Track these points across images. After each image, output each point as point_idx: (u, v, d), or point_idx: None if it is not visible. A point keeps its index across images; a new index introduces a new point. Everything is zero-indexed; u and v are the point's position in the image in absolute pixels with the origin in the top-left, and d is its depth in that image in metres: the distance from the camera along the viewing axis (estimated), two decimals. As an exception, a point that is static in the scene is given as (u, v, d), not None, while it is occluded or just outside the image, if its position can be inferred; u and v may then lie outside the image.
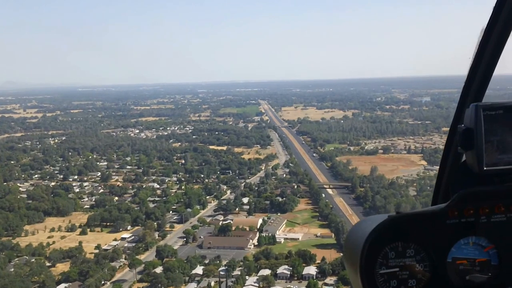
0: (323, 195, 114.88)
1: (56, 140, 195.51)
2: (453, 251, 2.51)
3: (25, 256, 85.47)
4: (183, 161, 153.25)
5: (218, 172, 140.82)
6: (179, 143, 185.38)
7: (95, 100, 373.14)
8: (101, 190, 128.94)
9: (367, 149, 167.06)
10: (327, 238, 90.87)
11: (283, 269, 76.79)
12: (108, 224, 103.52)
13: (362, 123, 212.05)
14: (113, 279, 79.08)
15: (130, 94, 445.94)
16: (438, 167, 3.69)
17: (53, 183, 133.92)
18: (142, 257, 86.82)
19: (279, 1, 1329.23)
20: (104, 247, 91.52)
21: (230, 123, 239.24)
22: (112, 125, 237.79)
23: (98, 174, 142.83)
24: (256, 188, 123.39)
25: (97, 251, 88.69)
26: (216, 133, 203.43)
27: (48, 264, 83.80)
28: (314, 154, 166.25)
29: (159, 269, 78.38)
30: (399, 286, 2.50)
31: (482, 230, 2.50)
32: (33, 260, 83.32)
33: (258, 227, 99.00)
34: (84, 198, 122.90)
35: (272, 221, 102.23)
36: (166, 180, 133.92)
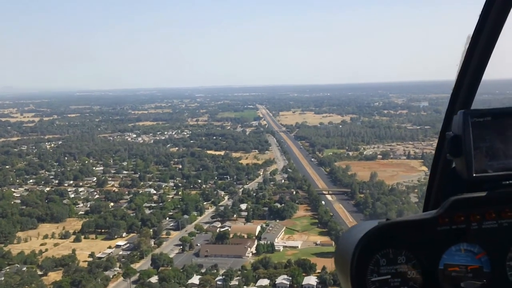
0: (323, 202, 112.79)
1: (52, 145, 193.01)
2: (444, 258, 2.48)
3: (16, 264, 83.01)
4: (180, 166, 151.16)
5: (216, 178, 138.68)
6: (177, 148, 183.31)
7: (92, 105, 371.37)
8: (97, 196, 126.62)
9: (366, 154, 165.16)
10: (327, 246, 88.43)
11: (282, 279, 74.13)
12: (103, 230, 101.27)
13: (361, 128, 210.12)
14: (107, 290, 76.77)
15: (128, 99, 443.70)
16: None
17: (47, 189, 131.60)
18: (137, 265, 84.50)
19: (278, 6, 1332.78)
20: (98, 255, 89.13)
21: (228, 127, 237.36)
22: (109, 130, 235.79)
23: (94, 179, 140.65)
24: (254, 194, 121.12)
25: (91, 259, 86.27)
26: (214, 137, 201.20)
27: (40, 272, 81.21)
28: (313, 159, 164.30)
29: (154, 279, 75.93)
30: None
31: (473, 237, 2.48)
32: (25, 268, 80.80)
33: (256, 234, 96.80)
34: (79, 204, 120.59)
35: (270, 228, 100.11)
36: (163, 186, 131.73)
